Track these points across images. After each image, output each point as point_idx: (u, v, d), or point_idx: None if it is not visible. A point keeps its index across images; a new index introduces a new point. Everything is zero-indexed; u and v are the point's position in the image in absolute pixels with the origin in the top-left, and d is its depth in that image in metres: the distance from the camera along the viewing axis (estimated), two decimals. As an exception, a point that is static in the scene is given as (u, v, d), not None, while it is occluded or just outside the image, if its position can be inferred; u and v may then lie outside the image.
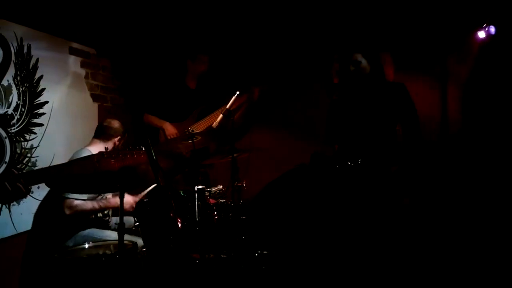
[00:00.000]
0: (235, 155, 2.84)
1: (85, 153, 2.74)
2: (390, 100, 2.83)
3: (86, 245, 2.33)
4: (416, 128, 2.87)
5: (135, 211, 2.61)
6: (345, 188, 2.77)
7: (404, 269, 2.79)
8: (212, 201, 2.77)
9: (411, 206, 3.44)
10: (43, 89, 3.01)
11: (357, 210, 2.74)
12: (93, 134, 3.01)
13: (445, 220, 3.48)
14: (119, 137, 2.98)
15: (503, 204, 3.37)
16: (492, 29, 3.56)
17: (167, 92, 3.69)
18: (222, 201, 2.81)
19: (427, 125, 3.78)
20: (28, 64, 2.90)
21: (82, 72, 3.47)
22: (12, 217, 2.75)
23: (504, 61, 3.57)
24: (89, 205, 2.72)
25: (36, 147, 2.94)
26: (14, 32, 2.79)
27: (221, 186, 3.07)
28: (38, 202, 2.91)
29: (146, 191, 2.87)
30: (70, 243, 2.65)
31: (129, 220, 2.83)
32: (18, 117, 2.82)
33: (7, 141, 2.72)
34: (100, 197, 2.85)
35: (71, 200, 2.65)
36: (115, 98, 3.85)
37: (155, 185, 2.73)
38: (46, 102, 3.04)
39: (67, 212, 2.66)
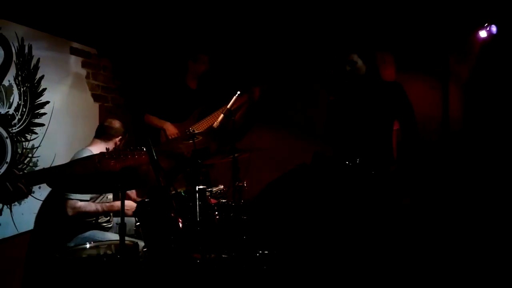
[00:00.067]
0: (236, 155, 2.84)
1: (86, 153, 2.74)
2: (387, 100, 2.84)
3: (87, 245, 2.33)
4: (413, 127, 2.88)
5: (136, 211, 2.61)
6: (345, 188, 2.78)
7: (404, 269, 2.79)
8: (213, 201, 2.77)
9: (412, 206, 3.45)
10: (44, 89, 3.01)
11: (356, 210, 2.74)
12: (94, 134, 3.01)
13: (446, 219, 3.48)
14: (120, 137, 2.98)
15: (504, 204, 3.37)
16: (494, 29, 3.56)
17: (168, 92, 3.69)
18: (223, 201, 2.81)
19: (428, 125, 3.79)
20: (29, 64, 2.91)
21: (83, 72, 3.47)
22: (13, 217, 2.75)
23: (506, 60, 3.56)
24: (92, 207, 2.71)
25: (37, 147, 2.94)
26: (15, 32, 2.79)
27: (222, 186, 3.07)
28: (40, 202, 2.92)
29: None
30: (71, 243, 2.65)
31: (130, 221, 2.83)
32: (19, 117, 2.82)
33: (8, 141, 2.73)
34: (101, 197, 2.85)
35: (75, 201, 2.65)
36: (116, 98, 3.85)
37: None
38: (47, 102, 3.04)
39: (70, 213, 2.65)
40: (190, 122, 3.61)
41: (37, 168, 2.90)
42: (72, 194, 2.65)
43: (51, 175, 2.00)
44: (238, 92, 3.13)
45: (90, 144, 2.95)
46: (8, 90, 2.74)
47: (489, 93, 3.66)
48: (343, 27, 3.73)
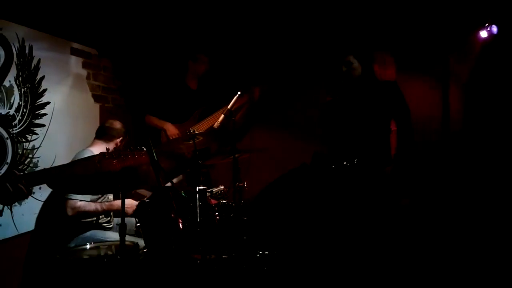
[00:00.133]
0: (236, 155, 2.84)
1: (87, 154, 2.74)
2: (383, 100, 2.86)
3: (88, 246, 2.33)
4: (409, 126, 2.90)
5: (136, 211, 2.61)
6: (343, 188, 2.79)
7: (403, 269, 2.79)
8: (213, 201, 2.77)
9: (411, 206, 3.45)
10: (44, 90, 3.02)
11: (355, 210, 2.74)
12: (94, 135, 3.01)
13: (445, 219, 3.48)
14: (121, 138, 2.98)
15: (503, 204, 3.37)
16: (494, 29, 3.56)
17: (168, 93, 3.69)
18: (224, 201, 2.81)
19: (428, 125, 3.80)
20: (30, 64, 2.91)
21: (84, 72, 3.47)
22: (13, 218, 2.75)
23: (506, 60, 3.56)
24: (92, 206, 2.71)
25: (37, 148, 2.94)
26: (16, 33, 2.79)
27: (222, 187, 3.07)
28: (40, 203, 2.92)
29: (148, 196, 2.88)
30: (72, 244, 2.65)
31: (131, 221, 2.83)
32: (20, 117, 2.82)
33: (8, 142, 2.73)
34: (102, 198, 2.86)
35: (74, 201, 2.65)
36: (116, 98, 3.85)
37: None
38: (48, 103, 3.05)
39: (70, 213, 2.65)
40: (190, 122, 3.61)
41: (37, 169, 2.90)
42: (72, 194, 2.65)
43: (51, 175, 2.00)
44: (239, 93, 3.13)
45: (91, 144, 2.95)
46: (9, 91, 2.74)
47: (489, 93, 3.66)
48: (343, 27, 3.73)
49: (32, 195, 2.85)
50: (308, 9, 3.78)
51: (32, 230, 2.88)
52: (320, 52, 3.80)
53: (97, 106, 3.60)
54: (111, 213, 2.94)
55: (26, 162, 2.85)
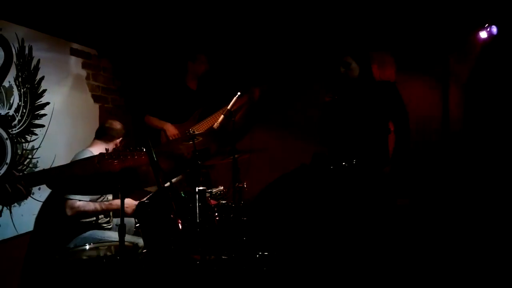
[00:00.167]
0: (236, 156, 2.84)
1: (86, 154, 2.74)
2: (381, 100, 2.87)
3: (87, 247, 2.33)
4: (406, 126, 2.91)
5: (136, 212, 2.61)
6: (342, 189, 2.79)
7: (403, 268, 2.79)
8: (213, 202, 2.76)
9: (411, 206, 3.45)
10: (44, 90, 3.02)
11: (355, 210, 2.75)
12: (94, 135, 3.01)
13: (445, 219, 3.48)
14: (120, 138, 2.98)
15: (503, 204, 3.37)
16: (494, 29, 3.56)
17: (168, 93, 3.69)
18: (223, 202, 2.80)
19: (428, 125, 3.80)
20: (30, 65, 2.91)
21: (83, 73, 3.47)
22: (13, 219, 2.75)
23: (506, 61, 3.56)
24: (91, 206, 2.71)
25: (37, 148, 2.94)
26: (16, 33, 2.79)
27: (222, 187, 3.06)
28: (39, 204, 2.92)
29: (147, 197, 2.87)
30: (71, 245, 2.65)
31: (130, 221, 2.83)
32: (19, 118, 2.82)
33: (8, 142, 2.73)
34: (101, 198, 2.85)
35: (73, 201, 2.65)
36: (116, 99, 3.85)
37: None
38: (47, 103, 3.04)
39: (69, 213, 2.65)
40: (190, 123, 3.61)
41: (37, 169, 2.90)
42: (72, 195, 2.65)
43: (50, 176, 2.00)
44: (238, 93, 3.13)
45: (91, 145, 2.94)
46: (8, 91, 2.74)
47: (489, 93, 3.66)
48: (343, 27, 3.73)
49: (31, 195, 2.85)
50: (307, 9, 3.77)
51: (32, 231, 2.88)
52: (320, 52, 3.80)
53: (96, 107, 3.60)
54: (110, 213, 2.93)
55: (25, 163, 2.85)
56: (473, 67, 3.72)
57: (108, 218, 2.91)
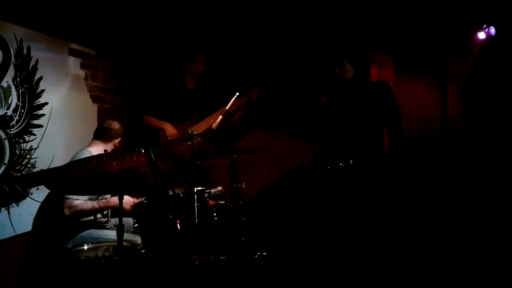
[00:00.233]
0: (235, 156, 2.84)
1: (85, 154, 2.74)
2: (374, 99, 2.90)
3: (85, 247, 2.33)
4: (398, 125, 2.92)
5: (134, 212, 2.61)
6: (340, 189, 2.80)
7: (402, 268, 2.79)
8: (211, 202, 2.76)
9: (411, 207, 3.45)
10: (42, 91, 3.01)
11: (353, 211, 2.75)
12: (92, 135, 3.00)
13: (445, 220, 3.48)
14: (119, 138, 2.98)
15: (503, 204, 3.37)
16: (492, 30, 3.56)
17: (166, 94, 3.69)
18: (222, 202, 2.80)
19: (427, 125, 3.80)
20: (28, 65, 2.90)
21: (82, 73, 3.46)
22: (11, 219, 2.75)
23: (505, 61, 3.56)
24: (89, 204, 2.71)
25: (35, 149, 2.94)
26: (14, 34, 2.79)
27: (220, 188, 3.06)
28: (37, 204, 2.91)
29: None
30: (69, 244, 2.64)
31: (129, 221, 2.83)
32: (18, 118, 2.82)
33: (6, 143, 2.72)
34: (100, 198, 2.85)
35: (71, 200, 2.65)
36: (115, 99, 3.84)
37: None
38: (46, 104, 3.04)
39: (67, 212, 2.65)
40: (189, 123, 3.60)
41: (35, 170, 2.90)
42: (70, 195, 2.65)
43: (48, 177, 1.99)
44: (237, 93, 3.13)
45: (89, 145, 2.94)
46: (7, 91, 2.74)
47: (488, 94, 3.66)
48: (342, 28, 3.73)
49: (29, 196, 2.84)
50: (307, 9, 3.77)
51: (30, 231, 2.88)
52: (319, 52, 3.80)
53: (95, 107, 3.59)
54: (109, 214, 2.93)
55: (23, 163, 2.84)
56: (472, 68, 3.72)
57: (106, 219, 2.91)
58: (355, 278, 2.68)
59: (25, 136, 2.87)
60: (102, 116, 3.57)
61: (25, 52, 2.87)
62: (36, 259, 2.84)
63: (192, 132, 2.83)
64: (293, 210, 3.33)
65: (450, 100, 3.82)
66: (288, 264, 2.77)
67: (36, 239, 2.89)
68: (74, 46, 3.37)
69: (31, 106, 2.92)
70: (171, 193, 2.69)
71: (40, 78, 2.99)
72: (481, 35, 3.61)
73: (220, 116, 3.00)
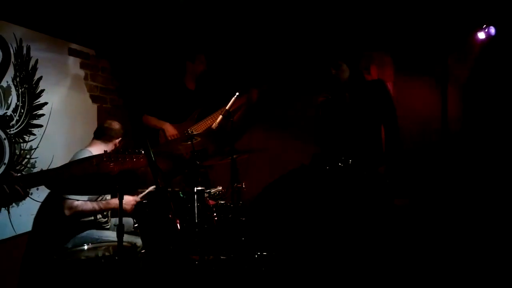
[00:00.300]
0: (234, 156, 2.84)
1: (86, 154, 2.73)
2: (371, 98, 2.91)
3: (85, 247, 2.33)
4: (394, 123, 2.94)
5: (135, 212, 2.61)
6: (339, 189, 2.80)
7: (402, 268, 2.79)
8: (211, 202, 2.76)
9: (411, 206, 3.45)
10: (42, 90, 3.01)
11: (352, 211, 2.76)
12: (92, 135, 3.00)
13: (445, 219, 3.48)
14: (119, 138, 2.98)
15: (503, 204, 3.37)
16: (492, 30, 3.56)
17: (166, 94, 3.69)
18: (222, 202, 2.80)
19: (427, 125, 3.80)
20: (27, 65, 2.90)
21: (82, 73, 3.46)
22: (11, 219, 2.75)
23: (505, 61, 3.56)
24: (89, 205, 2.71)
25: (35, 148, 2.93)
26: (14, 34, 2.78)
27: (220, 188, 3.06)
28: (37, 204, 2.91)
29: (146, 191, 2.86)
30: (69, 245, 2.64)
31: (129, 221, 2.83)
32: (17, 118, 2.81)
33: (6, 143, 2.72)
34: (100, 198, 2.85)
35: (71, 200, 2.64)
36: (115, 99, 3.84)
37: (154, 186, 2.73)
38: (45, 103, 3.04)
39: (67, 212, 2.65)
40: (188, 123, 3.60)
41: (35, 170, 2.90)
42: (70, 195, 2.65)
43: (48, 177, 1.99)
44: (237, 93, 3.13)
45: (90, 145, 2.94)
46: (6, 91, 2.74)
47: (488, 94, 3.66)
48: (342, 28, 3.72)
49: (30, 196, 2.84)
50: (307, 9, 3.77)
51: (30, 231, 2.88)
52: (320, 52, 3.79)
53: (95, 107, 3.59)
54: (108, 214, 2.93)
55: (23, 163, 2.84)
56: (472, 68, 3.73)
57: (106, 219, 2.91)
58: (355, 278, 2.68)
59: (25, 136, 2.86)
60: (102, 116, 3.57)
61: (24, 52, 2.87)
62: (36, 259, 2.84)
63: (192, 132, 2.83)
64: (293, 210, 3.33)
65: (450, 100, 3.82)
66: (288, 264, 2.77)
67: (36, 239, 2.88)
68: (74, 46, 3.36)
69: (31, 106, 2.92)
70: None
71: (40, 78, 2.99)
72: (481, 35, 3.61)
73: (220, 116, 3.00)
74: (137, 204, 2.67)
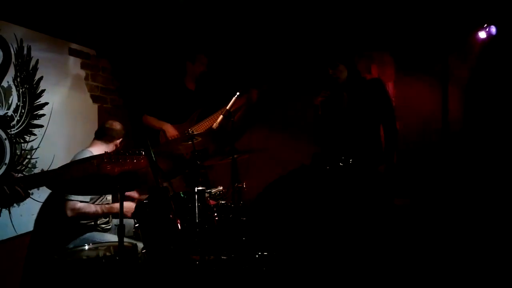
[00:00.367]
0: (235, 156, 2.84)
1: (86, 154, 2.73)
2: (368, 97, 2.93)
3: (86, 247, 2.33)
4: (392, 122, 2.94)
5: (135, 212, 2.61)
6: (340, 189, 2.81)
7: (402, 268, 2.79)
8: (212, 202, 2.76)
9: (411, 206, 3.46)
10: (43, 91, 3.01)
11: (353, 210, 2.76)
12: (93, 135, 3.00)
13: (446, 219, 3.48)
14: (120, 139, 2.98)
15: (503, 204, 3.37)
16: (493, 29, 3.55)
17: (166, 94, 3.69)
18: (222, 202, 2.80)
19: (428, 125, 3.80)
20: (28, 65, 2.90)
21: (82, 73, 3.46)
22: (12, 219, 2.75)
23: (505, 61, 3.56)
24: (92, 208, 2.70)
25: (36, 149, 2.94)
26: (14, 34, 2.79)
27: (221, 187, 3.06)
28: (38, 204, 2.91)
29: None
30: (71, 245, 2.64)
31: (129, 223, 2.82)
32: (18, 118, 2.82)
33: (7, 143, 2.72)
34: (101, 198, 2.85)
35: (74, 202, 2.64)
36: (115, 99, 3.84)
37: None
38: (46, 104, 3.04)
39: (69, 214, 2.64)
40: (189, 123, 3.60)
41: (36, 170, 2.90)
42: (72, 195, 2.64)
43: (49, 178, 1.99)
44: (237, 93, 3.13)
45: (90, 145, 2.94)
46: (7, 91, 2.74)
47: (488, 93, 3.66)
48: (342, 28, 3.72)
49: (31, 196, 2.83)
50: (307, 9, 3.77)
51: (31, 231, 2.88)
52: (320, 52, 3.79)
53: (95, 107, 3.59)
54: (110, 215, 2.93)
55: (24, 163, 2.84)
56: (473, 67, 3.72)
57: (108, 219, 2.91)
58: (355, 278, 2.68)
59: (25, 136, 2.87)
60: (103, 116, 3.57)
61: (25, 52, 2.87)
62: (38, 259, 2.84)
63: (192, 132, 2.83)
64: (293, 210, 3.33)
65: (451, 100, 3.82)
66: (289, 264, 2.77)
67: (37, 239, 2.89)
68: (74, 46, 3.37)
69: (31, 106, 2.92)
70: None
71: (41, 78, 2.99)
72: (482, 35, 3.61)
73: (221, 116, 3.00)
74: (138, 204, 2.67)
